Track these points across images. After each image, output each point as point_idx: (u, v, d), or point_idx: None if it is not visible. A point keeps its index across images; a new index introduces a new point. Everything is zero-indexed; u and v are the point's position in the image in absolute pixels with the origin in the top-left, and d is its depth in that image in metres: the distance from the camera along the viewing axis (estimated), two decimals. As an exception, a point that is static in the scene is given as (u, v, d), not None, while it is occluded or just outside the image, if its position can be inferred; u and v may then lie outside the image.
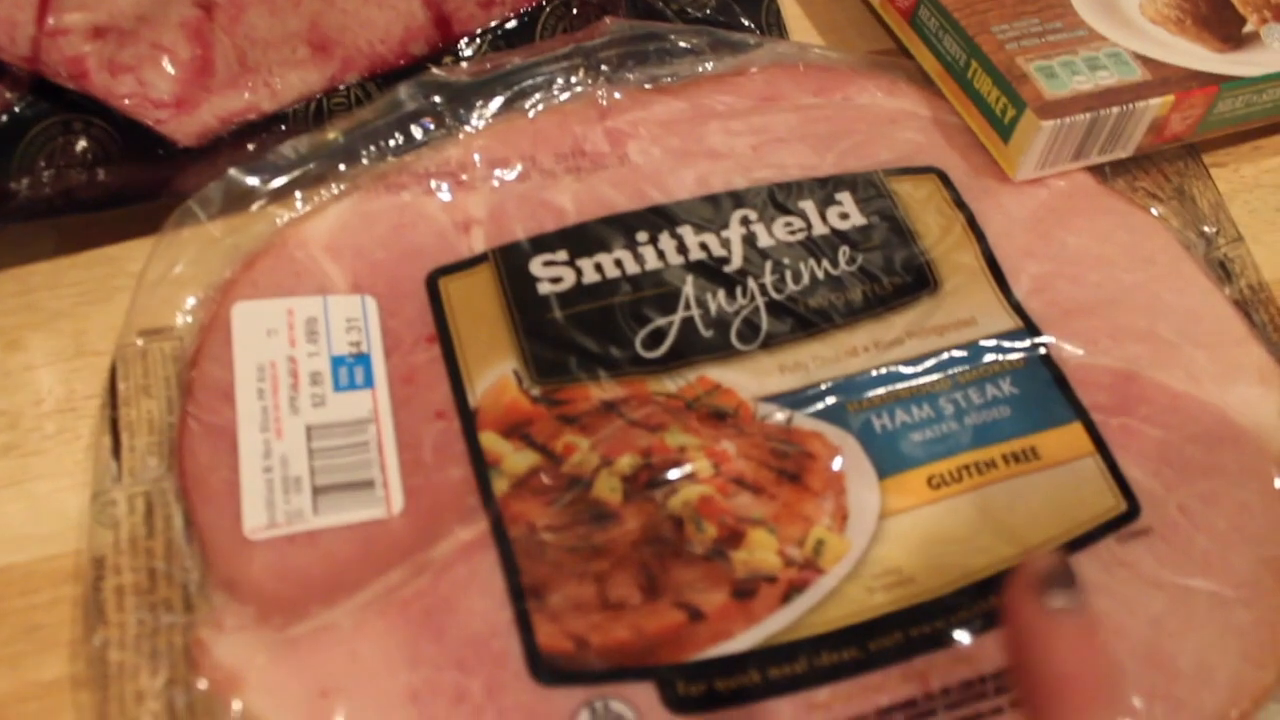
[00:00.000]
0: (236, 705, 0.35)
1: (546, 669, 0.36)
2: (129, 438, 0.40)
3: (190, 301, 0.43)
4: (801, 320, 0.44)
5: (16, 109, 0.44)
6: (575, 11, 0.52)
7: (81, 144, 0.45)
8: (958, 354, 0.43)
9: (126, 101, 0.45)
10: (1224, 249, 0.48)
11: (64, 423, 0.43)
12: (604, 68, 0.49)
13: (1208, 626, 0.39)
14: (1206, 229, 0.48)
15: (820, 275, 0.45)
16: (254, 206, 0.45)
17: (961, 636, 0.38)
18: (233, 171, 0.45)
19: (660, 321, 0.43)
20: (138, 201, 0.46)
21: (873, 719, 0.36)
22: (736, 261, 0.45)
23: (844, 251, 0.45)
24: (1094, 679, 0.30)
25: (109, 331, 0.44)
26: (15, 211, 0.44)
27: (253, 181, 0.45)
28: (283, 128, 0.47)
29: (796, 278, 0.45)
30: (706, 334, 0.43)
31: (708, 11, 0.53)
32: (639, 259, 0.44)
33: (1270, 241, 0.49)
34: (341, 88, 0.48)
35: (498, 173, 0.46)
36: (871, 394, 0.42)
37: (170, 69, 0.45)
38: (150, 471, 0.39)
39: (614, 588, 0.37)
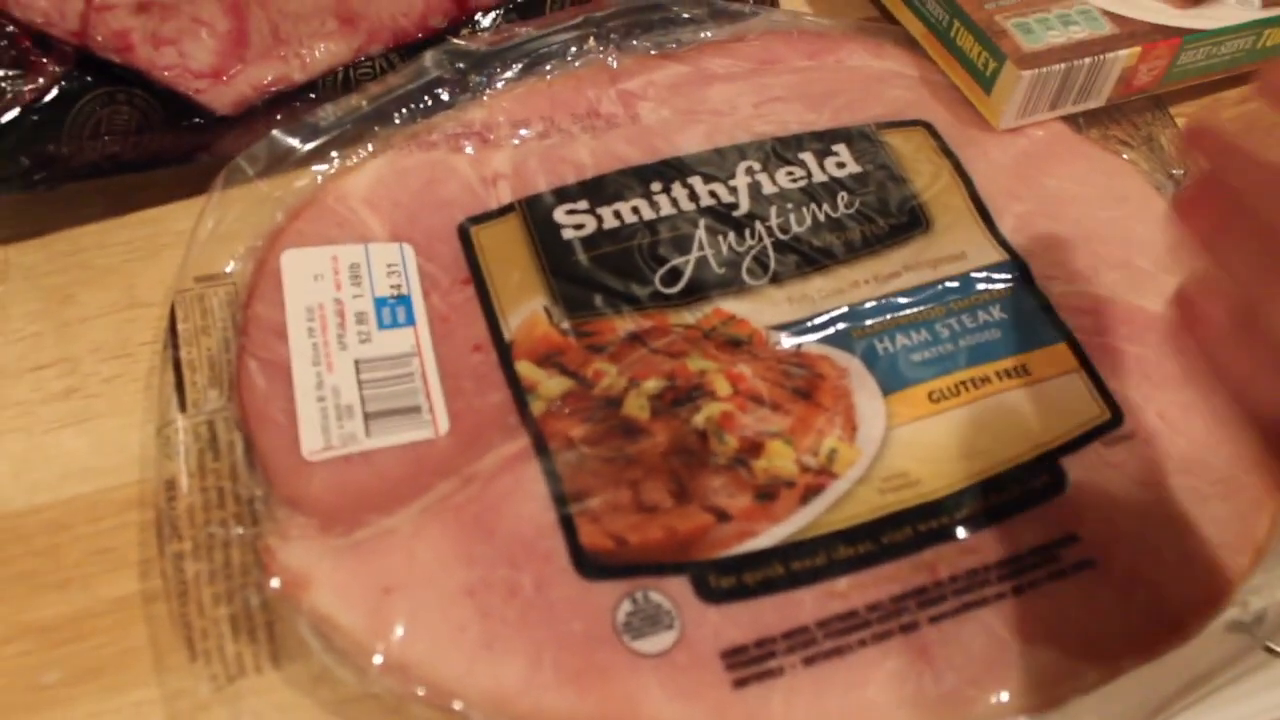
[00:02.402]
0: (308, 603, 0.38)
1: (590, 565, 0.39)
2: (190, 373, 0.43)
3: (240, 250, 0.46)
4: (806, 258, 0.47)
5: (64, 83, 0.47)
6: (582, -16, 0.55)
7: (125, 113, 0.48)
8: (951, 285, 0.47)
9: (168, 73, 0.48)
10: (1190, 190, 0.52)
11: (120, 367, 0.46)
12: (613, 36, 0.53)
13: (1189, 519, 0.43)
14: (1174, 171, 0.52)
15: (822, 218, 0.48)
16: (296, 164, 0.48)
17: (965, 530, 0.41)
18: (276, 133, 0.48)
19: (677, 261, 0.47)
20: (176, 164, 0.49)
21: (887, 605, 0.40)
22: (744, 206, 0.48)
23: (842, 196, 0.49)
24: None
25: (158, 285, 0.47)
26: (64, 174, 0.47)
27: (294, 142, 0.48)
28: (313, 96, 0.51)
29: (800, 220, 0.48)
30: (720, 271, 0.46)
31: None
32: (654, 206, 0.48)
33: (1232, 185, 0.53)
34: (366, 59, 0.51)
35: (520, 132, 0.50)
36: (873, 321, 0.46)
37: (209, 41, 0.48)
38: (211, 403, 0.43)
39: (647, 493, 0.41)
